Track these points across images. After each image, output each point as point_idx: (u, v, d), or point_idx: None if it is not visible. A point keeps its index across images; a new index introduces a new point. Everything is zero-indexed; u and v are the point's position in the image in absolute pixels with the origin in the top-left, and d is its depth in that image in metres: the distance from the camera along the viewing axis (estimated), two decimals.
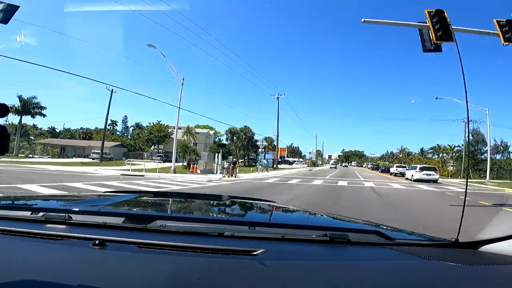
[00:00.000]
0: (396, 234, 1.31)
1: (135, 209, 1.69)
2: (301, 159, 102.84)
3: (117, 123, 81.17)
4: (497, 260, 1.00)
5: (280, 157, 61.15)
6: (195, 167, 26.45)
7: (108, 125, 79.69)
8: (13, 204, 1.60)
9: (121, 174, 19.91)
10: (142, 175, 19.87)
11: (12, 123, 50.56)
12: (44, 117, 42.98)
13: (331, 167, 62.13)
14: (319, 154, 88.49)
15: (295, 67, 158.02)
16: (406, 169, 32.12)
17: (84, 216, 1.16)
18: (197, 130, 57.15)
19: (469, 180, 19.81)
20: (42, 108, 42.58)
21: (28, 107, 40.89)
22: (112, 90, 40.53)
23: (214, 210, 1.88)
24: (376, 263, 0.96)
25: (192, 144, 43.37)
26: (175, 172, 23.17)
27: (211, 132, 66.05)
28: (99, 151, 44.52)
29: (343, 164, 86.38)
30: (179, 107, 23.98)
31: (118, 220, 1.13)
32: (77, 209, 1.28)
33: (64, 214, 1.16)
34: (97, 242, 0.88)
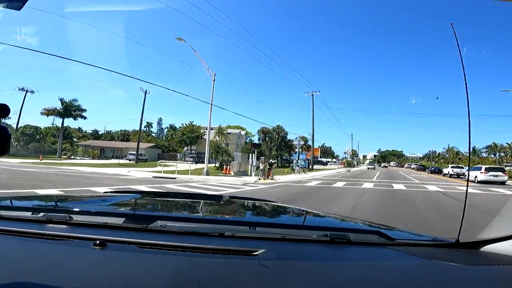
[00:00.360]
0: (396, 234, 1.29)
1: (135, 210, 1.68)
2: (334, 160, 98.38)
3: (152, 124, 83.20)
4: (499, 260, 0.99)
5: (314, 157, 58.32)
6: (228, 168, 24.82)
7: (144, 127, 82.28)
8: (14, 204, 1.58)
9: (153, 177, 18.82)
10: (174, 178, 18.60)
11: (56, 126, 53.34)
12: (85, 119, 44.49)
13: (368, 168, 57.69)
14: (354, 154, 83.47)
15: (329, 63, 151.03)
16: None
17: (84, 216, 1.16)
18: (229, 130, 56.17)
19: None
20: (83, 110, 44.01)
21: (70, 109, 42.35)
22: (146, 91, 41.09)
23: (215, 210, 1.85)
24: (377, 263, 0.95)
25: (223, 145, 42.00)
26: (207, 174, 21.69)
27: (243, 132, 64.79)
28: (133, 152, 45.17)
29: (382, 165, 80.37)
30: (211, 104, 22.44)
31: (119, 220, 1.12)
32: (78, 209, 1.29)
33: (65, 214, 1.16)
34: (98, 242, 0.88)
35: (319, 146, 79.80)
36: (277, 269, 0.82)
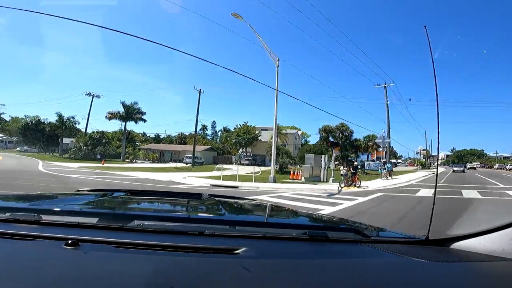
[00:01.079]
0: (372, 232, 1.32)
1: (111, 208, 1.63)
2: (399, 161, 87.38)
3: (207, 127, 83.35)
4: (466, 257, 1.02)
5: (377, 158, 50.49)
6: (297, 173, 20.30)
7: (199, 129, 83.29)
8: None
9: (212, 185, 15.34)
10: (236, 187, 14.85)
11: (121, 130, 55.29)
12: (145, 122, 44.53)
13: (454, 170, 47.48)
14: (427, 154, 71.71)
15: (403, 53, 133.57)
16: None
17: (56, 216, 1.13)
18: (286, 130, 51.99)
19: None
20: (143, 113, 44.09)
21: (131, 112, 42.64)
22: (200, 90, 39.42)
23: (194, 209, 1.83)
24: (352, 260, 0.98)
25: (281, 146, 37.71)
26: (274, 181, 17.52)
27: (299, 132, 59.89)
28: (189, 155, 43.75)
29: (455, 167, 66.73)
30: (277, 90, 18.25)
31: (92, 220, 1.08)
32: (48, 209, 1.27)
33: (34, 214, 1.11)
34: (69, 242, 0.84)
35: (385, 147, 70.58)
36: (258, 267, 0.81)
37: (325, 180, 19.62)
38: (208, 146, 52.78)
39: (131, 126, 46.21)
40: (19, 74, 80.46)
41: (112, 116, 42.55)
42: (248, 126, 52.49)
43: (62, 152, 44.59)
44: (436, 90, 1.40)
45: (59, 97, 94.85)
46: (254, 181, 16.80)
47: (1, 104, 58.65)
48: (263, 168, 22.82)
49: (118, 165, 32.09)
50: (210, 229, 1.07)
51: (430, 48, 1.40)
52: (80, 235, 0.91)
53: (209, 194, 1.97)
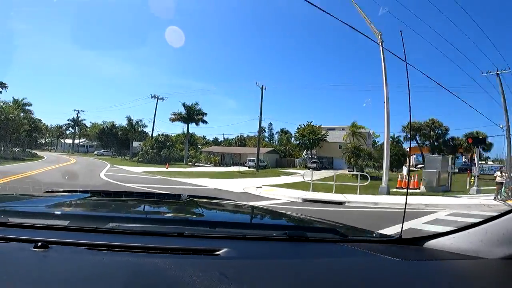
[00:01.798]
0: (350, 232, 1.33)
1: (83, 210, 1.59)
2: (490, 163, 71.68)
3: (265, 129, 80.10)
4: (436, 255, 1.04)
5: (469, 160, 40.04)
6: (415, 180, 14.59)
7: (258, 131, 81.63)
8: None
9: (303, 200, 10.92)
10: (341, 202, 10.18)
11: (183, 133, 55.12)
12: (206, 123, 42.88)
13: None
14: None
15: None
16: None
17: (24, 218, 1.10)
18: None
19: None
20: (204, 114, 42.45)
21: (192, 113, 41.28)
22: (262, 86, 36.04)
23: (173, 210, 1.74)
24: (331, 259, 0.99)
25: (361, 147, 31.56)
26: (388, 192, 12.29)
27: (371, 131, 52.20)
28: (254, 158, 40.32)
29: None
30: (385, 73, 13.05)
31: (64, 222, 1.05)
32: (16, 210, 1.25)
33: (0, 216, 1.08)
34: (39, 244, 0.81)
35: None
36: (238, 268, 0.81)
37: (450, 189, 13.63)
38: (271, 148, 49.04)
39: (192, 128, 45.29)
40: (95, 82, 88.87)
41: (175, 117, 41.77)
42: (313, 125, 47.23)
43: (132, 155, 45.62)
44: (409, 95, 1.59)
45: (128, 101, 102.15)
46: (359, 193, 11.91)
47: (81, 110, 63.99)
48: (332, 172, 17.61)
49: (182, 169, 30.22)
50: (190, 230, 1.05)
51: (404, 52, 1.55)
52: (50, 237, 0.87)
53: (188, 195, 1.93)
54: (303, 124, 48.12)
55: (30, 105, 44.00)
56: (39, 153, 45.03)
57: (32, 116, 42.68)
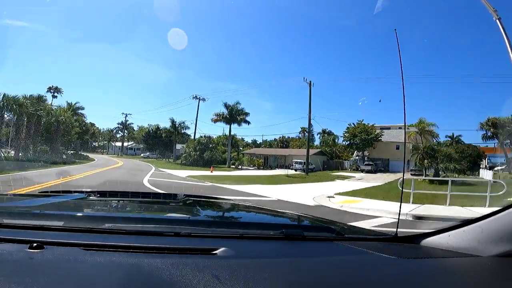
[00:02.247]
0: (346, 230, 1.34)
1: (79, 210, 1.52)
2: None
3: (306, 130, 75.86)
4: (431, 253, 1.05)
5: None
6: None
7: (298, 132, 77.34)
8: None
9: (415, 217, 7.45)
10: None
11: (224, 134, 53.64)
12: (248, 124, 40.66)
13: None
14: None
15: None
16: None
17: (18, 219, 1.09)
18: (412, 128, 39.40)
19: None
20: (246, 114, 40.21)
21: (234, 114, 39.29)
22: (310, 82, 32.81)
23: (170, 210, 1.74)
24: (327, 258, 0.99)
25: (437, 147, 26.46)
26: None
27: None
28: (301, 160, 36.99)
29: None
30: None
31: (59, 222, 1.03)
32: (11, 211, 1.24)
33: None
34: (34, 245, 0.81)
35: None
36: (236, 267, 0.80)
37: None
38: (317, 150, 45.11)
39: (233, 129, 43.28)
40: (140, 87, 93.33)
41: (217, 118, 40.24)
42: (365, 124, 42.38)
43: (175, 158, 45.18)
44: (404, 94, 1.51)
45: (171, 102, 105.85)
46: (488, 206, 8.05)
47: (129, 114, 66.28)
48: (394, 176, 13.53)
49: (226, 172, 28.10)
50: (187, 230, 1.04)
51: (399, 51, 1.44)
52: (45, 238, 0.87)
53: (184, 194, 1.92)
54: (353, 123, 43.53)
55: (83, 108, 45.93)
56: (91, 155, 46.78)
57: (84, 119, 44.43)
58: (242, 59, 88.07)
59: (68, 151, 37.81)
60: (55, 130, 29.44)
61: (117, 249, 0.85)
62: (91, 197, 1.77)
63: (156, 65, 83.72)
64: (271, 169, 39.95)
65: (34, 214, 1.26)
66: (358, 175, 32.49)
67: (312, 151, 43.31)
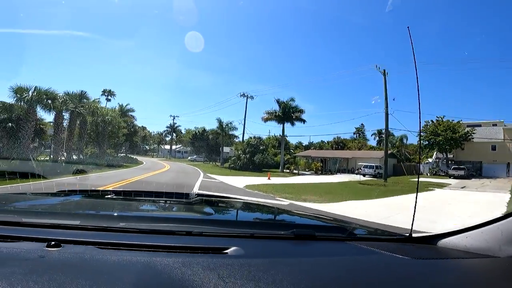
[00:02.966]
0: (358, 230, 1.32)
1: (94, 209, 1.57)
2: None
3: (362, 130, 67.40)
4: (447, 254, 1.03)
5: None
6: None
7: (353, 133, 69.44)
8: None
9: None
10: None
11: (274, 135, 48.89)
12: (303, 122, 35.33)
13: None
14: None
15: None
16: None
17: (37, 217, 1.10)
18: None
19: None
20: (301, 111, 34.92)
21: (288, 111, 34.31)
22: (384, 71, 26.49)
23: (182, 209, 1.78)
24: (339, 258, 0.97)
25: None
26: None
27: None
28: (372, 164, 30.51)
29: None
30: None
31: (75, 221, 1.05)
32: (30, 210, 1.28)
33: (14, 215, 1.11)
34: (52, 243, 0.83)
35: None
36: (246, 267, 0.80)
37: None
38: (388, 152, 37.71)
39: (278, 130, 38.19)
40: (186, 92, 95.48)
41: (268, 116, 35.49)
42: (450, 121, 34.06)
43: (223, 161, 41.84)
44: (418, 94, 1.54)
45: (217, 103, 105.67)
46: None
47: (176, 116, 65.73)
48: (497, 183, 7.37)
49: (284, 179, 23.19)
50: (198, 229, 1.05)
51: (413, 48, 1.43)
52: (62, 236, 0.89)
53: (196, 194, 1.98)
54: (431, 121, 35.39)
55: (133, 111, 45.44)
56: (140, 158, 45.95)
57: (134, 121, 43.57)
58: (284, 61, 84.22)
59: (118, 154, 36.73)
60: (101, 131, 27.77)
61: (131, 248, 0.86)
62: (106, 196, 1.81)
63: (198, 71, 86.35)
64: (331, 173, 34.01)
65: (52, 212, 1.29)
66: (449, 181, 25.25)
67: (380, 153, 36.21)
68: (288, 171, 33.47)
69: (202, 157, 51.88)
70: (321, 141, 58.51)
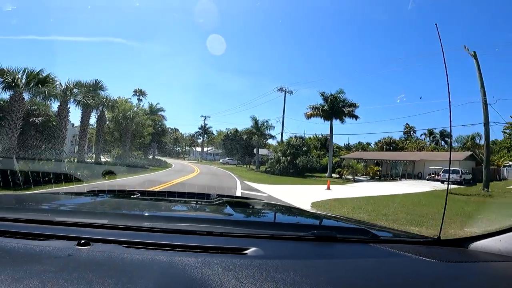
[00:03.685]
0: (381, 232, 1.28)
1: (121, 209, 1.62)
2: None
3: (415, 130, 58.21)
4: (479, 257, 0.99)
5: None
6: None
7: (404, 132, 60.67)
8: None
9: None
10: None
11: (316, 136, 42.88)
12: (356, 119, 29.04)
13: None
14: None
15: None
16: None
17: (68, 216, 1.15)
18: None
19: None
20: (353, 105, 28.64)
21: (337, 106, 28.24)
22: (475, 52, 19.82)
23: (203, 209, 1.78)
24: (361, 260, 0.94)
25: None
26: None
27: None
28: (453, 168, 23.45)
29: None
30: None
31: (104, 220, 1.07)
32: (61, 209, 1.32)
33: (47, 214, 1.15)
34: (82, 242, 0.86)
35: None
36: (266, 267, 0.79)
37: None
38: (468, 153, 29.76)
39: (321, 129, 31.90)
40: (217, 94, 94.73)
41: (313, 112, 29.65)
42: None
43: (258, 164, 36.85)
44: (449, 94, 1.44)
45: (250, 100, 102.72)
46: None
47: (207, 116, 62.50)
48: None
49: (344, 188, 17.45)
50: (219, 229, 1.06)
51: (442, 46, 1.43)
52: (91, 235, 0.91)
53: (217, 195, 1.95)
54: None
55: (163, 110, 42.34)
56: (170, 161, 42.67)
57: (164, 121, 40.38)
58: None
59: (146, 156, 33.39)
60: (124, 129, 24.18)
61: (154, 247, 0.87)
62: (132, 196, 1.84)
63: (230, 74, 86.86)
64: (393, 179, 27.31)
65: (82, 212, 1.32)
66: None
67: (458, 155, 28.56)
68: (337, 175, 27.46)
69: (234, 159, 47.41)
70: (359, 142, 51.11)
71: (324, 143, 41.45)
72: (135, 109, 24.87)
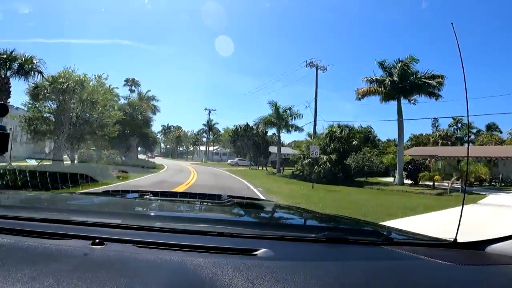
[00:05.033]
0: (394, 234, 1.28)
1: (134, 209, 1.65)
2: None
3: (459, 122, 47.43)
4: (498, 260, 0.96)
5: None
6: None
7: (449, 125, 50.13)
8: (13, 203, 1.58)
9: None
10: None
11: (360, 127, 32.81)
12: (437, 99, 19.01)
13: None
14: None
15: None
16: None
17: (83, 216, 1.16)
18: None
19: None
20: (438, 77, 18.66)
21: (409, 78, 18.24)
22: None
23: (214, 210, 1.78)
24: (374, 262, 0.93)
25: None
26: None
27: None
28: None
29: None
30: None
31: (117, 220, 1.09)
32: (76, 209, 1.32)
33: (62, 213, 1.17)
34: (96, 241, 0.86)
35: None
36: (276, 269, 0.78)
37: None
38: None
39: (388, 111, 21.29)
40: (223, 92, 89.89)
41: (368, 89, 19.60)
42: None
43: (279, 167, 27.06)
44: (466, 92, 1.49)
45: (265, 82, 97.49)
46: None
47: (213, 109, 53.73)
48: None
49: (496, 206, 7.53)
50: (229, 230, 1.06)
51: (458, 45, 1.45)
52: (105, 235, 0.92)
53: (228, 196, 1.95)
54: None
55: (157, 100, 32.72)
56: (167, 162, 33.27)
57: (156, 109, 31.22)
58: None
59: (125, 156, 23.98)
60: (88, 117, 15.05)
61: (165, 247, 0.88)
62: (144, 197, 1.85)
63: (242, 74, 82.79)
64: (481, 184, 17.25)
65: (97, 211, 1.35)
66: None
67: None
68: (409, 182, 17.57)
69: (246, 160, 37.72)
70: (439, 132, 40.66)
71: (368, 136, 31.34)
72: (92, 82, 15.18)
